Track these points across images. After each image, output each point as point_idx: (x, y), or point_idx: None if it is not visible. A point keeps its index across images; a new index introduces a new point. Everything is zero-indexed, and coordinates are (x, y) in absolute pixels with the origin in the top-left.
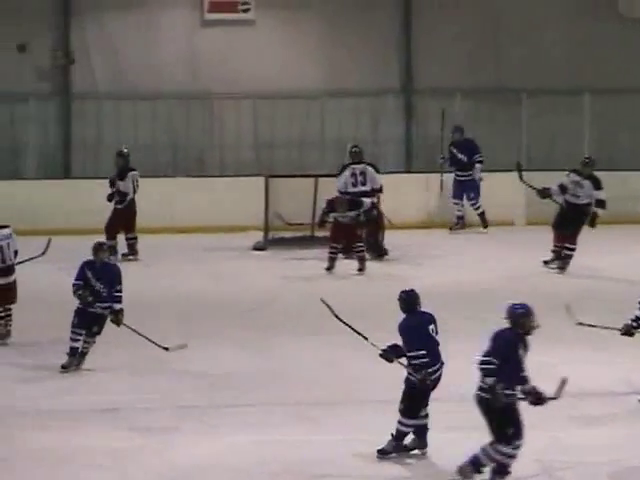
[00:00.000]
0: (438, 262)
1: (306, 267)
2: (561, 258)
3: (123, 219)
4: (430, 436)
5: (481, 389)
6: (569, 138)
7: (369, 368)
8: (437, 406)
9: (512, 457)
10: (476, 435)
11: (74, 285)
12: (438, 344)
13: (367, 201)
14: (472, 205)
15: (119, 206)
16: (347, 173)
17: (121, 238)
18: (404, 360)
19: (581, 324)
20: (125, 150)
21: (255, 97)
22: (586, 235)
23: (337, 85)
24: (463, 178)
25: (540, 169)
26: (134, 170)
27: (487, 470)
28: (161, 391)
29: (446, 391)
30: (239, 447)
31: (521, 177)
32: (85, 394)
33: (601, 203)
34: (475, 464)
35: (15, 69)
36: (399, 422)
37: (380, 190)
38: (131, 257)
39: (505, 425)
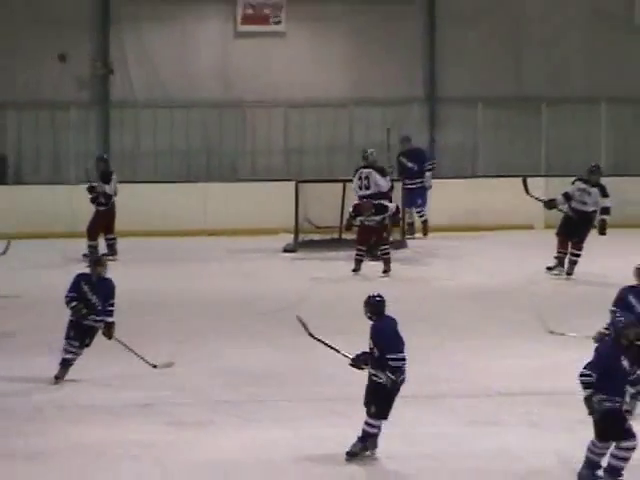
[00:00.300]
0: (458, 264)
1: (334, 268)
2: (568, 263)
3: (105, 221)
4: (452, 430)
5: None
6: (587, 146)
7: None
8: (457, 401)
9: (634, 450)
10: (494, 430)
11: (67, 297)
12: (404, 345)
13: (392, 206)
14: (418, 212)
15: (102, 208)
16: (356, 177)
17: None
18: (371, 365)
19: (552, 332)
20: (105, 155)
21: (286, 105)
22: (607, 238)
23: (364, 94)
24: (413, 186)
25: (558, 175)
26: (113, 173)
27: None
28: (195, 387)
29: (467, 387)
30: (272, 441)
31: (527, 190)
32: (121, 390)
33: (606, 210)
34: (612, 472)
35: (56, 78)
36: (367, 424)
37: (387, 193)
38: (110, 257)
39: (614, 426)
